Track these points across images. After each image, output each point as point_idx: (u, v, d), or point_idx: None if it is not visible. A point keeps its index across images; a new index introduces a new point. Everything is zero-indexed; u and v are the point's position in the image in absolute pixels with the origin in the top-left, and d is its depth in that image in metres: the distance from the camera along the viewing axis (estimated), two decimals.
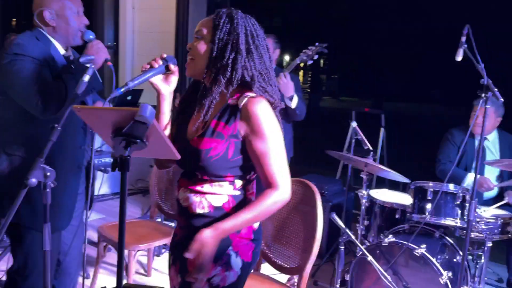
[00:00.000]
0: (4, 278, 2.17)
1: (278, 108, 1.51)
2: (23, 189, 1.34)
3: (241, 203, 1.49)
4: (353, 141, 3.23)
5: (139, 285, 2.83)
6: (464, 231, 2.74)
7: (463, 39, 2.29)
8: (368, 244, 2.94)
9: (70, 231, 2.15)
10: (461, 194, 2.69)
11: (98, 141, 3.47)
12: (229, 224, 1.43)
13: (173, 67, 1.51)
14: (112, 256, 3.37)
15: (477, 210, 2.80)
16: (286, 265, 2.22)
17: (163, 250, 3.60)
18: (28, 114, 1.87)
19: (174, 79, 1.54)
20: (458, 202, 2.69)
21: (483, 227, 2.75)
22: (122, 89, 1.33)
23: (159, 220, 3.44)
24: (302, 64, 3.14)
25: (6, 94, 1.91)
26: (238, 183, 1.50)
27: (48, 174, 1.37)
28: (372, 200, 3.14)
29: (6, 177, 1.94)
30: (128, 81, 1.35)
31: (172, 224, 3.41)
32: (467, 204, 2.68)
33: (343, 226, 2.46)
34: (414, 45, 17.09)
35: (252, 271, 1.64)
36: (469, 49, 2.29)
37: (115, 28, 5.74)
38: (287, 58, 14.66)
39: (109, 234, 2.78)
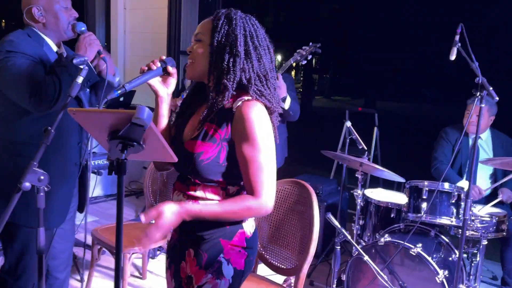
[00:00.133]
0: None
1: (276, 113, 1.47)
2: (17, 193, 1.32)
3: None
4: (347, 140, 3.23)
5: None
6: (459, 230, 2.75)
7: (457, 37, 2.28)
8: (364, 243, 2.94)
9: (60, 234, 2.11)
10: (456, 193, 2.71)
11: (94, 141, 3.44)
12: (195, 208, 1.38)
13: (171, 69, 1.49)
14: (106, 259, 3.34)
15: (472, 208, 2.81)
16: (282, 266, 2.21)
17: (158, 252, 3.58)
18: (22, 109, 1.85)
19: (173, 81, 1.52)
20: (453, 201, 2.70)
21: (478, 225, 2.77)
22: (119, 91, 1.30)
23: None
24: (294, 64, 3.13)
25: (1, 91, 1.89)
26: (231, 189, 1.46)
27: (42, 177, 1.36)
28: (367, 200, 3.14)
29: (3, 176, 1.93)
30: (125, 83, 1.32)
31: None
32: (462, 203, 2.70)
33: (339, 226, 2.46)
34: (406, 44, 17.17)
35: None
36: (463, 48, 2.28)
37: (106, 29, 5.68)
38: (278, 58, 14.67)
39: (103, 236, 2.76)
